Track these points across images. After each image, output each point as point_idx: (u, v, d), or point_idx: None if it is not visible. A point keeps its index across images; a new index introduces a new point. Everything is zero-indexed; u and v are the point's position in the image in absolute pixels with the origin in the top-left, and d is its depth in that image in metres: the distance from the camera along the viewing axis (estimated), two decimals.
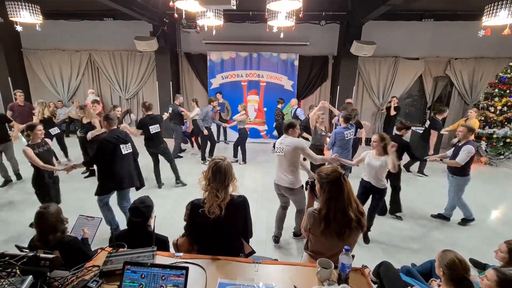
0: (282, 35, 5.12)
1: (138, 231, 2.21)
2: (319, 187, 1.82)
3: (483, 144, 6.76)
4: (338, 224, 1.72)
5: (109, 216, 3.52)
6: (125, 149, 3.45)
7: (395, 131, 4.28)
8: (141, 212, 2.20)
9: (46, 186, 3.45)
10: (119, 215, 3.65)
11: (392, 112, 7.27)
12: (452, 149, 4.08)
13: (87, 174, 5.51)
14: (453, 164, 3.78)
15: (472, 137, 3.91)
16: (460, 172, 3.83)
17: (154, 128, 4.84)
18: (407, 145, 4.09)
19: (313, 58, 8.11)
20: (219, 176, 1.87)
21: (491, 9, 3.49)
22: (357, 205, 1.78)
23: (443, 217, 4.22)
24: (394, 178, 4.09)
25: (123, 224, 3.59)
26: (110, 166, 3.35)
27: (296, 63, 7.84)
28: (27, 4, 4.03)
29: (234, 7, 3.28)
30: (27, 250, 2.11)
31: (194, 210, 1.94)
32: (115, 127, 3.52)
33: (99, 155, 3.34)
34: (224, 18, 3.95)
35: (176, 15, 3.47)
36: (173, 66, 8.34)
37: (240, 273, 1.70)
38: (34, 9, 4.11)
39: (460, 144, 3.89)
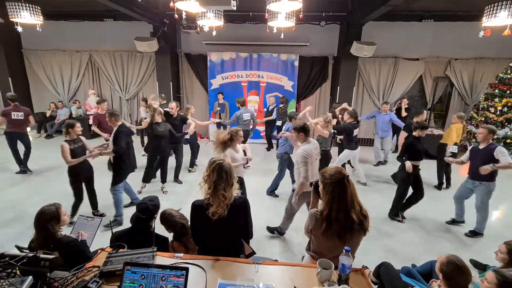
0: (282, 36, 5.13)
1: (141, 230, 2.22)
2: (322, 187, 1.81)
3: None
4: (339, 226, 1.71)
5: (121, 203, 3.84)
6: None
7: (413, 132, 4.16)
8: (148, 210, 2.21)
9: (76, 181, 3.75)
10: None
11: (404, 113, 7.15)
12: (467, 153, 3.93)
13: None
14: (506, 167, 3.46)
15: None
16: (491, 177, 3.64)
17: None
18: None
19: (313, 59, 8.11)
20: (225, 175, 1.88)
21: (491, 9, 3.49)
22: (361, 208, 1.76)
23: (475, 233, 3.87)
24: (414, 184, 4.05)
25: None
26: (127, 154, 3.87)
27: (296, 63, 7.85)
28: (27, 5, 4.03)
29: (234, 8, 3.29)
30: (27, 251, 2.11)
31: (196, 211, 1.94)
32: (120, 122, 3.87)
33: (122, 142, 3.68)
34: (224, 19, 3.96)
35: (176, 15, 3.47)
36: (173, 67, 8.34)
37: (240, 274, 1.70)
38: (34, 9, 4.11)
39: (481, 147, 3.70)
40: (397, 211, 4.15)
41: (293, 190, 3.34)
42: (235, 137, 3.46)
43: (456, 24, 7.41)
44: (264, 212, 4.24)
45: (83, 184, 3.84)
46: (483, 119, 6.90)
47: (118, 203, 3.79)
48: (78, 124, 3.71)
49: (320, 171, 1.87)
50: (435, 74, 8.06)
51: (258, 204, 4.48)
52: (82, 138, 3.79)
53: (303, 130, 3.22)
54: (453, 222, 4.13)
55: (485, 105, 6.99)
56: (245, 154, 5.69)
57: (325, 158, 4.64)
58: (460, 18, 7.27)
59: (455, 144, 5.00)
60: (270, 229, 3.76)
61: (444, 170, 5.34)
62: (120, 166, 3.78)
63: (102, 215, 3.98)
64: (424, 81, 8.13)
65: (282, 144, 4.76)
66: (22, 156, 5.57)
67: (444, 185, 5.40)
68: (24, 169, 5.57)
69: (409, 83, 8.10)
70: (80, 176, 3.76)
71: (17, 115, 5.34)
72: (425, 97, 8.31)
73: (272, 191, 4.88)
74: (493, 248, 2.53)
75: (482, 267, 3.05)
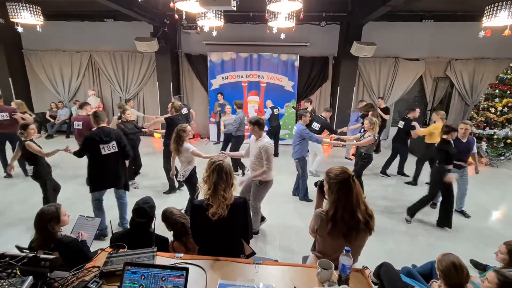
0: (282, 36, 5.12)
1: (140, 231, 2.21)
2: (328, 187, 1.80)
3: (484, 145, 6.76)
4: (345, 225, 1.71)
5: (99, 215, 3.50)
6: (106, 149, 3.37)
7: (442, 136, 3.90)
8: (146, 213, 2.20)
9: (48, 177, 3.76)
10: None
11: (386, 117, 7.02)
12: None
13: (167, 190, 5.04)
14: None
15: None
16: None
17: None
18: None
19: (313, 59, 8.11)
20: (225, 175, 1.88)
21: (491, 10, 3.49)
22: (366, 207, 1.76)
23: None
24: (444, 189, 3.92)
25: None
26: (93, 165, 3.39)
27: (297, 63, 7.85)
28: (28, 5, 4.03)
29: (235, 8, 3.28)
30: (27, 251, 2.11)
31: (195, 211, 1.94)
32: (103, 124, 3.45)
33: (83, 151, 3.39)
34: (224, 19, 3.95)
35: (176, 16, 3.47)
36: (174, 67, 8.35)
37: (240, 274, 1.70)
38: (35, 10, 4.11)
39: (464, 141, 3.99)
40: (416, 212, 4.11)
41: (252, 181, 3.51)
42: (183, 133, 3.55)
43: (456, 24, 7.41)
44: (264, 213, 4.23)
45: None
46: (483, 119, 6.90)
47: (98, 216, 3.45)
48: (32, 126, 3.69)
49: (326, 171, 1.86)
50: (435, 74, 8.06)
51: None
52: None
53: (257, 124, 3.31)
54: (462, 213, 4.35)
55: (486, 105, 6.98)
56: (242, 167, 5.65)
57: (367, 162, 4.54)
58: (460, 18, 7.27)
59: None
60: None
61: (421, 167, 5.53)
62: (89, 173, 3.48)
63: None
64: (425, 82, 8.13)
65: (296, 150, 4.56)
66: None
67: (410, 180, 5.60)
68: (8, 174, 5.24)
69: (409, 84, 8.10)
70: (46, 170, 3.77)
71: (1, 116, 5.10)
72: (425, 97, 8.32)
73: (305, 195, 4.75)
74: (494, 248, 2.52)
75: (482, 268, 3.05)
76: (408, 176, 5.77)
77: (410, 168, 5.74)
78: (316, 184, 2.07)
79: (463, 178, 4.14)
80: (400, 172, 5.94)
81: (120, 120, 5.01)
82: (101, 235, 3.47)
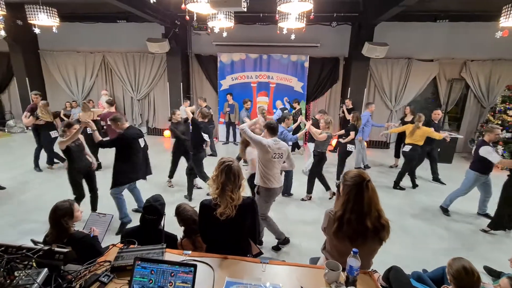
0: (293, 37, 5.11)
1: (150, 228, 2.25)
2: (342, 188, 1.81)
3: (500, 149, 6.55)
4: (351, 229, 1.69)
5: (122, 205, 3.77)
6: (141, 142, 3.93)
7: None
8: (157, 210, 2.24)
9: (75, 179, 3.79)
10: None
11: (348, 116, 6.56)
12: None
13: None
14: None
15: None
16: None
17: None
18: None
19: (324, 60, 8.06)
20: (233, 177, 1.89)
21: (509, 9, 3.39)
22: (380, 216, 1.71)
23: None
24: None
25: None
26: (129, 158, 3.72)
27: (306, 64, 7.82)
28: (45, 8, 4.16)
29: (245, 9, 3.30)
30: (42, 245, 2.18)
31: (204, 210, 1.96)
32: (127, 124, 3.82)
33: (116, 144, 3.63)
34: (234, 20, 3.98)
35: (187, 17, 3.51)
36: (184, 68, 8.45)
37: (248, 273, 1.70)
38: (51, 12, 4.24)
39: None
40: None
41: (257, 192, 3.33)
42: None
43: (472, 24, 7.22)
44: (271, 214, 4.22)
45: (84, 180, 3.89)
46: (499, 122, 6.69)
47: (119, 206, 3.74)
48: (76, 126, 3.76)
49: (344, 173, 1.85)
50: (450, 76, 7.86)
51: None
52: (80, 136, 3.87)
53: (267, 127, 3.36)
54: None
55: (502, 107, 6.77)
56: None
57: (319, 159, 4.72)
58: (477, 18, 7.08)
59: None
60: (276, 247, 3.49)
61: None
62: (117, 169, 3.68)
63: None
64: (438, 83, 7.94)
65: None
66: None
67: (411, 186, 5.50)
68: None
69: (422, 85, 7.93)
70: (79, 172, 3.80)
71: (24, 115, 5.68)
72: (439, 99, 8.12)
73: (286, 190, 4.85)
74: (509, 255, 2.45)
75: (496, 274, 2.96)
76: (445, 184, 5.64)
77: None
78: (337, 185, 2.08)
79: (487, 182, 4.08)
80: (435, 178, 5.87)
81: (171, 122, 5.05)
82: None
